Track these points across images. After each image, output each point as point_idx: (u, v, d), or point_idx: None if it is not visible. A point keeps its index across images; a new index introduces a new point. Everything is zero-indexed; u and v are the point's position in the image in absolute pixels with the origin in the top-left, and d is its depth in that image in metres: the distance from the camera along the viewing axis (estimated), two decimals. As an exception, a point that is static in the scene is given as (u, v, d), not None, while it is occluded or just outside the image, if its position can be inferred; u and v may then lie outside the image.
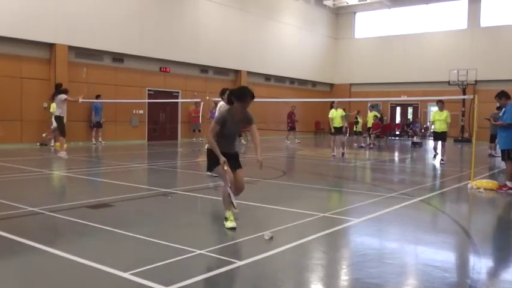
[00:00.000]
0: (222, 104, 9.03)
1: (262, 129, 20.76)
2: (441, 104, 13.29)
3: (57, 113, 12.04)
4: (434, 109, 13.62)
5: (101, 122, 18.22)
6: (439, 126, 13.13)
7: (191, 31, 21.70)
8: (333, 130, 14.64)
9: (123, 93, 19.35)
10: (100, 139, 18.30)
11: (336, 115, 14.50)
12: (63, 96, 11.74)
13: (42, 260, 4.15)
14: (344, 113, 14.93)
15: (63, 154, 11.82)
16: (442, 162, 12.86)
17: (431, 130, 13.92)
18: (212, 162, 5.35)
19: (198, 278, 3.65)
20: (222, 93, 9.16)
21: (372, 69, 30.27)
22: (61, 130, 11.96)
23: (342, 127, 14.75)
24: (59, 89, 11.97)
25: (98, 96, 17.77)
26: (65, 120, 12.12)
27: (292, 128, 22.94)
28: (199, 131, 21.77)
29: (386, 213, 6.35)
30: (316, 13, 30.64)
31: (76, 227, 5.40)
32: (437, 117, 13.16)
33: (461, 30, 27.94)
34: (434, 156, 13.63)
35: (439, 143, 13.15)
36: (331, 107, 15.16)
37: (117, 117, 19.40)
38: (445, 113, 13.07)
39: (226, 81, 24.11)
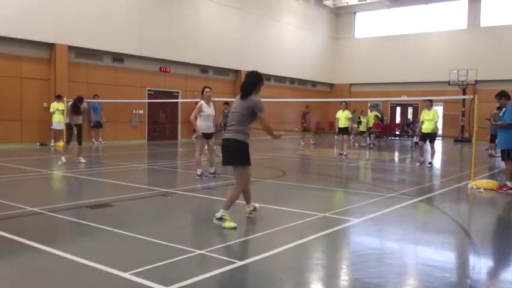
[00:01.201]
0: (202, 103, 9.00)
1: (261, 129, 20.70)
2: (429, 103, 12.72)
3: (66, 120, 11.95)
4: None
5: (101, 121, 18.23)
6: (427, 126, 12.52)
7: (191, 31, 21.69)
8: (337, 130, 15.25)
9: (123, 93, 19.35)
10: (100, 139, 18.31)
11: (341, 116, 14.84)
12: (70, 103, 11.75)
13: (42, 260, 4.15)
14: (351, 115, 15.18)
15: (63, 159, 11.38)
16: (429, 165, 12.27)
17: (421, 131, 12.92)
18: (248, 158, 5.41)
19: (198, 278, 3.64)
20: (202, 92, 9.19)
21: (371, 69, 30.25)
22: (67, 137, 11.67)
23: (346, 128, 14.98)
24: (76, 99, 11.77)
25: (95, 96, 17.76)
26: (77, 128, 11.59)
27: (305, 129, 22.82)
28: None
29: (386, 213, 6.35)
30: (316, 13, 30.62)
31: (76, 227, 5.41)
32: (425, 117, 12.58)
33: (461, 30, 27.93)
34: (420, 163, 12.45)
35: (427, 144, 12.59)
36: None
37: (117, 117, 19.40)
38: (432, 112, 12.54)
39: (226, 81, 24.13)
